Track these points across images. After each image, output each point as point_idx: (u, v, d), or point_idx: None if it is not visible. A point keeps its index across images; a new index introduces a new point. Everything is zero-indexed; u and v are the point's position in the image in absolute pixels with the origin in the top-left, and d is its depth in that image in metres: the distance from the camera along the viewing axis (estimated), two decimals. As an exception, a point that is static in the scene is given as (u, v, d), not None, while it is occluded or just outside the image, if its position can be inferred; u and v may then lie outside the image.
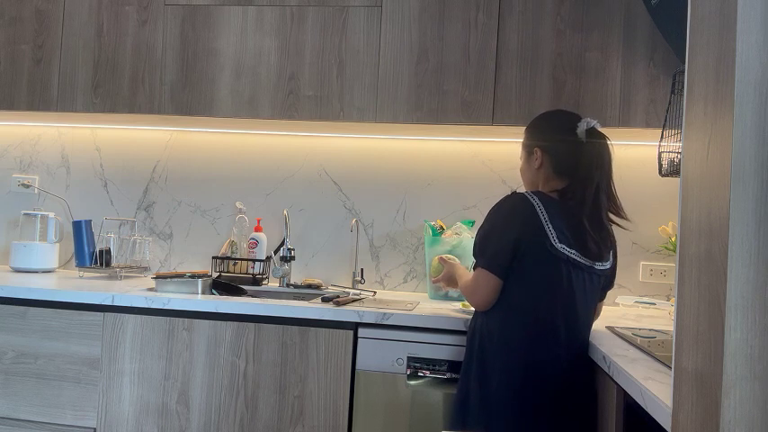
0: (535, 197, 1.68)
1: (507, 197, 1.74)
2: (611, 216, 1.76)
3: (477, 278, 1.72)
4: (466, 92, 2.29)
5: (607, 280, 1.79)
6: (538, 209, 1.65)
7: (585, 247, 1.68)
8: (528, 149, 1.84)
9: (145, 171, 2.83)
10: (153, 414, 2.08)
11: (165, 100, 2.46)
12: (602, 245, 1.71)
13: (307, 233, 2.71)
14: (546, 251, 1.64)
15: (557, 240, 1.64)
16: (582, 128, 1.75)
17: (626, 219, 1.77)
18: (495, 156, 2.60)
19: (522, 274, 1.66)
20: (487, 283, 1.68)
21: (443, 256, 2.16)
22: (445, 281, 2.07)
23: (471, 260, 1.81)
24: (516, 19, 2.27)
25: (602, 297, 1.83)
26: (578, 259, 1.67)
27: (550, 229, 1.64)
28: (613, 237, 1.77)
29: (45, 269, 2.69)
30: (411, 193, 2.66)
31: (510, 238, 1.65)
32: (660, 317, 2.20)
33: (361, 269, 2.62)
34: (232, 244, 2.69)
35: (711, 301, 0.79)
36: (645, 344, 1.58)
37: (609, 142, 1.76)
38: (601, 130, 1.78)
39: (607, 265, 1.75)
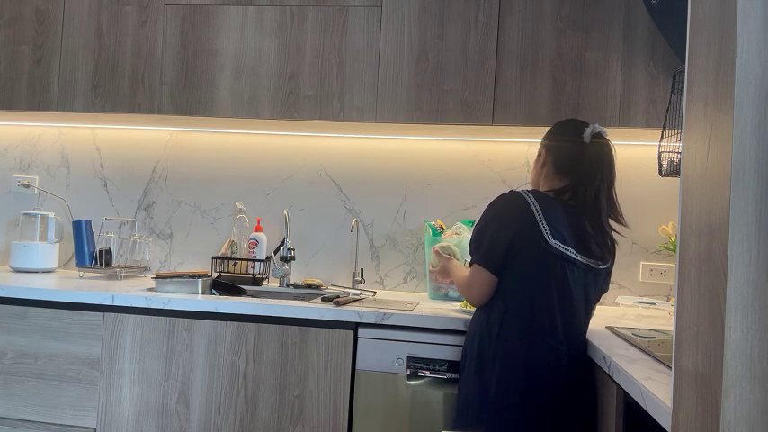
0: (530, 195, 1.70)
1: (502, 195, 1.76)
2: (610, 221, 1.76)
3: (472, 274, 1.73)
4: (466, 92, 2.29)
5: (604, 280, 1.80)
6: (532, 206, 1.67)
7: (588, 249, 1.69)
8: (538, 151, 1.87)
9: (145, 171, 2.83)
10: (153, 414, 2.08)
11: (165, 100, 2.46)
12: (604, 248, 1.73)
13: (307, 233, 2.71)
14: (540, 248, 1.65)
15: (550, 237, 1.65)
16: (588, 132, 1.76)
17: (625, 225, 1.78)
18: (495, 156, 2.60)
19: (517, 271, 1.67)
20: (483, 279, 1.70)
21: (437, 248, 2.18)
22: (441, 274, 2.09)
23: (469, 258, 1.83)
24: (516, 19, 2.27)
25: (597, 299, 1.83)
26: (574, 256, 1.67)
27: (544, 225, 1.65)
28: (614, 241, 1.77)
29: (45, 269, 2.69)
30: (411, 193, 2.66)
31: (504, 235, 1.67)
32: (660, 317, 2.20)
33: (361, 269, 2.62)
34: (232, 244, 2.69)
35: (711, 301, 0.79)
36: (645, 344, 1.58)
37: (612, 148, 1.77)
38: (607, 138, 1.79)
39: (605, 265, 1.76)
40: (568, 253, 1.67)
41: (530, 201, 1.68)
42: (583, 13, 2.24)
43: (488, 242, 1.70)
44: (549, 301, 1.66)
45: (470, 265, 1.77)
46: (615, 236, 1.78)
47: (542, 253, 1.65)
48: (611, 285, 2.50)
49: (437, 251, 2.14)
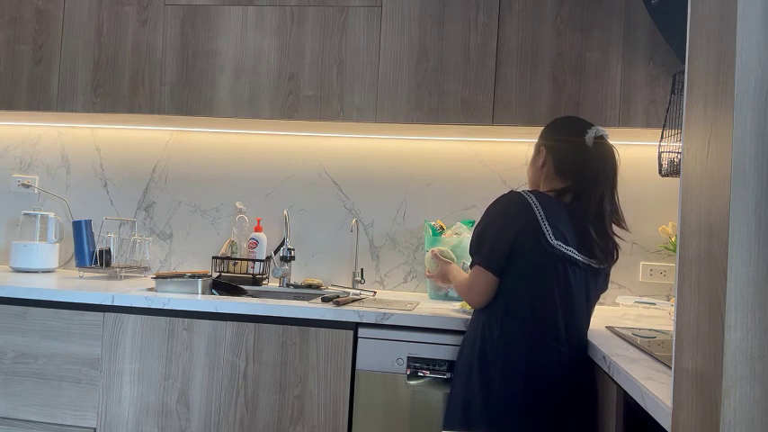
0: (531, 195, 1.69)
1: (503, 195, 1.75)
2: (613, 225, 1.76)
3: (474, 276, 1.72)
4: (466, 92, 2.29)
5: (604, 280, 1.80)
6: (534, 206, 1.66)
7: (591, 253, 1.69)
8: (536, 148, 1.86)
9: (145, 171, 2.83)
10: (153, 414, 2.08)
11: (165, 100, 2.46)
12: (608, 252, 1.72)
13: (307, 233, 2.71)
14: (542, 248, 1.64)
15: (552, 237, 1.64)
16: (591, 134, 1.75)
17: (626, 230, 1.77)
18: (495, 156, 2.60)
19: (519, 272, 1.67)
20: (484, 280, 1.69)
21: (436, 251, 2.16)
22: (440, 278, 2.09)
23: (470, 259, 1.82)
24: (516, 19, 2.27)
25: (597, 299, 1.83)
26: (575, 256, 1.67)
27: (546, 226, 1.64)
28: (617, 245, 1.76)
29: (45, 269, 2.69)
30: (411, 193, 2.66)
31: (506, 236, 1.66)
32: (660, 317, 2.20)
33: (361, 269, 2.62)
34: (232, 244, 2.69)
35: (711, 301, 0.79)
36: (645, 344, 1.58)
37: (615, 151, 1.76)
38: (608, 140, 1.79)
39: (604, 265, 1.76)
40: (570, 253, 1.66)
41: (531, 201, 1.67)
42: (583, 13, 2.24)
43: (490, 243, 1.69)
44: (550, 301, 1.65)
45: (471, 266, 1.76)
46: (616, 239, 1.77)
47: (544, 253, 1.65)
48: (611, 285, 2.50)
49: (436, 255, 2.13)
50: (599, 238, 1.70)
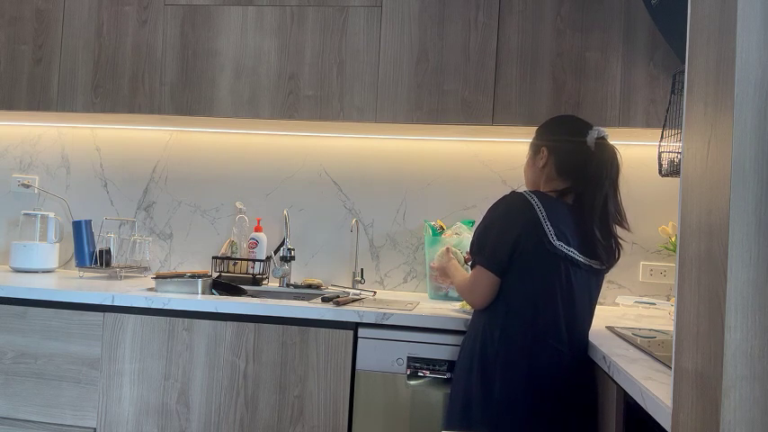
0: (534, 196, 1.69)
1: (506, 196, 1.74)
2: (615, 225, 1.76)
3: (475, 276, 1.72)
4: (466, 92, 2.29)
5: (603, 280, 1.80)
6: (536, 207, 1.66)
7: (594, 252, 1.69)
8: (535, 148, 1.85)
9: (145, 171, 2.83)
10: (153, 414, 2.08)
11: (165, 100, 2.46)
12: (611, 252, 1.73)
13: (307, 233, 2.71)
14: (544, 249, 1.64)
15: (554, 238, 1.64)
16: (592, 136, 1.75)
17: (628, 230, 1.77)
18: (495, 156, 2.60)
19: (521, 273, 1.66)
20: (486, 281, 1.68)
21: (451, 248, 2.16)
22: (440, 272, 2.09)
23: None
24: (516, 19, 2.27)
25: (597, 299, 1.83)
26: (576, 257, 1.67)
27: (548, 226, 1.64)
28: (620, 246, 1.76)
29: (45, 269, 2.69)
30: (411, 193, 2.66)
31: (508, 237, 1.66)
32: (660, 317, 2.20)
33: (361, 269, 2.62)
34: (232, 244, 2.69)
35: (711, 301, 0.79)
36: (645, 344, 1.58)
37: (618, 155, 1.76)
38: (609, 140, 1.78)
39: (606, 266, 1.76)
40: (572, 254, 1.66)
41: (533, 202, 1.67)
42: (583, 13, 2.24)
43: (492, 243, 1.69)
44: (552, 302, 1.65)
45: (472, 267, 1.76)
46: (619, 239, 1.77)
47: (546, 254, 1.64)
48: (610, 285, 2.51)
49: (448, 248, 2.12)
50: (603, 238, 1.70)
